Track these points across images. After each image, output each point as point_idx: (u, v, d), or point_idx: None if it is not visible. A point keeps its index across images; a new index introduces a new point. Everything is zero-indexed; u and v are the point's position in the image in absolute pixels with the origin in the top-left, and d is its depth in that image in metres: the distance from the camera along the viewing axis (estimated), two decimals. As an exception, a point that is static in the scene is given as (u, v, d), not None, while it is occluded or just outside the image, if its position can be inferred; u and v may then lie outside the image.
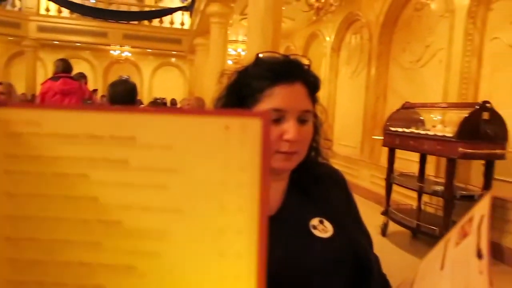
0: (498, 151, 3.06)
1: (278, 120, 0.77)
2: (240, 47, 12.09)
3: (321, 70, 7.09)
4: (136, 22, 13.59)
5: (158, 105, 6.90)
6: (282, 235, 0.79)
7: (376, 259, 0.88)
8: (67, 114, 0.28)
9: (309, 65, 0.85)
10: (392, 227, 3.82)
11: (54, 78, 4.19)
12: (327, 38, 7.04)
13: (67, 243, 0.29)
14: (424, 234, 3.47)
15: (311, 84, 0.82)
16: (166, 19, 13.76)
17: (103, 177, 0.28)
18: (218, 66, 6.95)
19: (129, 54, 15.37)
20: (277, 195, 0.84)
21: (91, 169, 0.29)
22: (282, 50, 8.74)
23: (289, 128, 0.76)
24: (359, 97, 5.91)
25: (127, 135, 0.28)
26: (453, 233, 0.64)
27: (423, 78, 4.67)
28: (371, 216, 3.94)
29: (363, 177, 5.59)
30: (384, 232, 3.84)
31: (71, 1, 12.61)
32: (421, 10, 4.76)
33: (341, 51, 6.81)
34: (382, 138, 4.02)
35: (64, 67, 4.20)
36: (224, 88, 0.87)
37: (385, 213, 3.84)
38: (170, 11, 13.43)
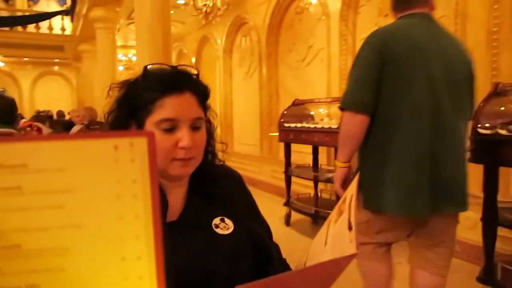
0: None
1: (171, 129, 0.81)
2: (130, 52, 11.63)
3: (216, 73, 7.21)
4: (7, 29, 12.14)
5: (42, 118, 6.28)
6: (186, 238, 0.83)
7: (275, 247, 0.97)
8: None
9: (197, 75, 0.90)
10: (295, 216, 4.08)
11: None
12: (219, 41, 7.18)
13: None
14: (323, 218, 3.78)
15: (201, 92, 0.87)
16: (44, 24, 12.56)
17: (-3, 205, 0.30)
18: (108, 73, 6.61)
19: (2, 64, 13.70)
20: (178, 201, 0.87)
21: (-17, 199, 0.29)
22: (174, 54, 8.64)
23: (183, 136, 0.80)
24: (254, 97, 6.16)
25: (17, 163, 0.30)
26: (333, 214, 0.75)
27: (309, 76, 5.06)
28: (274, 209, 4.16)
29: (265, 173, 5.85)
30: (288, 222, 4.08)
31: None
32: (301, 14, 5.15)
33: (233, 53, 7.00)
34: (278, 134, 4.26)
35: None
36: (114, 101, 0.88)
37: (287, 204, 4.10)
38: (48, 15, 12.27)
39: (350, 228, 0.61)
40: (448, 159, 1.53)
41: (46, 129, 4.26)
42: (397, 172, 1.52)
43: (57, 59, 13.46)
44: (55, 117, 9.62)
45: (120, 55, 10.63)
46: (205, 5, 5.18)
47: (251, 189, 1.01)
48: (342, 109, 1.58)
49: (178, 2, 6.15)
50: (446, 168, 1.53)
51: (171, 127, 0.80)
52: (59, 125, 5.14)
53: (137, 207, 0.31)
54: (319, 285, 0.58)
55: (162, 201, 0.82)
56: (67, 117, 9.09)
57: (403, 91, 1.50)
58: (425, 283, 1.65)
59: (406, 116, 1.50)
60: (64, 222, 0.31)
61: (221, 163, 1.00)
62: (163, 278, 0.32)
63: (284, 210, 4.12)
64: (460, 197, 1.58)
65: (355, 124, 1.53)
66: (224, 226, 0.87)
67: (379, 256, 1.70)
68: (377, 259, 1.70)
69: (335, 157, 3.51)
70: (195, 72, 0.90)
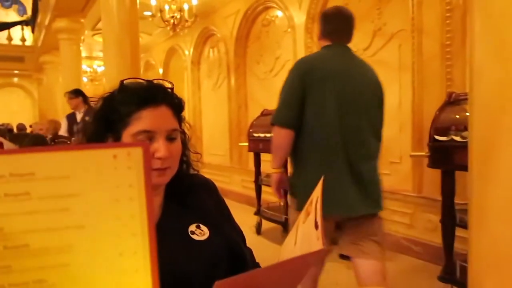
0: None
1: (148, 140, 0.84)
2: (95, 63, 11.41)
3: (184, 84, 7.21)
4: (-38, 39, 11.62)
5: (2, 132, 6.04)
6: (163, 245, 0.85)
7: (249, 252, 1.02)
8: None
9: (172, 88, 0.94)
10: (266, 224, 4.13)
11: None
12: (186, 52, 7.20)
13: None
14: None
15: (176, 105, 0.91)
16: (2, 35, 12.12)
17: (7, 210, 0.33)
18: (73, 84, 6.45)
19: (-43, 76, 13.06)
20: (155, 209, 0.91)
21: (-6, 205, 0.33)
22: (141, 65, 8.56)
23: (159, 147, 0.84)
24: (223, 107, 6.21)
25: (26, 171, 0.33)
26: (302, 215, 0.81)
27: (277, 86, 5.12)
28: (245, 218, 4.19)
29: (235, 183, 5.89)
30: (258, 230, 4.13)
31: None
32: (268, 26, 5.28)
33: (201, 64, 7.04)
34: (247, 144, 4.32)
35: None
36: (91, 115, 0.91)
37: (258, 213, 4.15)
38: (6, 26, 11.87)
39: (316, 227, 0.67)
40: (364, 168, 1.78)
41: (7, 143, 4.11)
42: (319, 176, 1.71)
43: (17, 70, 13.00)
44: (15, 130, 9.26)
45: (84, 66, 10.41)
46: (172, 17, 5.20)
47: (222, 199, 1.06)
48: (272, 124, 1.86)
49: (145, 13, 6.14)
50: (363, 175, 1.77)
51: (147, 138, 0.84)
52: (23, 139, 4.96)
53: (133, 208, 0.36)
54: (290, 279, 0.64)
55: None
56: (28, 130, 8.77)
57: (319, 110, 1.76)
58: (362, 269, 1.82)
59: (322, 131, 1.76)
60: (69, 223, 0.35)
61: (196, 172, 1.04)
62: (156, 271, 0.37)
63: (254, 219, 4.17)
64: (376, 198, 1.83)
65: (282, 137, 1.80)
66: (200, 233, 0.91)
67: None
68: None
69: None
70: (170, 85, 0.94)
